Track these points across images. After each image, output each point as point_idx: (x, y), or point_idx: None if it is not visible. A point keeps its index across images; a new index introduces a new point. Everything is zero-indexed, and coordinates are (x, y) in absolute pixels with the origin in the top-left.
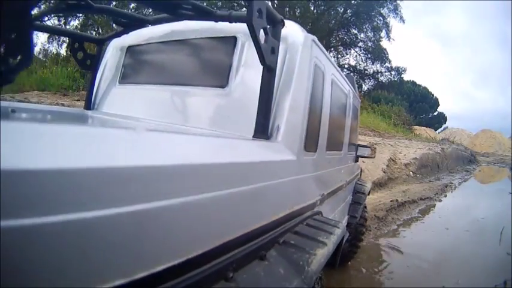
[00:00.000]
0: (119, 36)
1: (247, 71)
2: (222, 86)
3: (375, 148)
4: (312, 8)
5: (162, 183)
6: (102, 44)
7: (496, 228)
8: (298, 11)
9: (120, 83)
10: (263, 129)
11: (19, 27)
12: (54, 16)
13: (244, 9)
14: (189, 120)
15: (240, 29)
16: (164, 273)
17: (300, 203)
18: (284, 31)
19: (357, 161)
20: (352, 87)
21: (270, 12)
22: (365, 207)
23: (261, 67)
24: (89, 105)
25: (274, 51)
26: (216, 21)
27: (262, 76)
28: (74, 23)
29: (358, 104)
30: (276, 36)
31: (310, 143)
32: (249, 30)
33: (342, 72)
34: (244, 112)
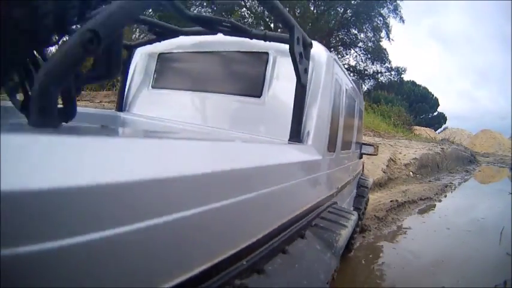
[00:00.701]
0: (151, 44)
1: (279, 83)
2: (257, 96)
3: (378, 146)
4: (312, 8)
5: (233, 185)
6: (131, 49)
7: (496, 228)
8: (298, 11)
9: (153, 87)
10: (297, 135)
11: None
12: None
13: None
14: (226, 124)
15: (271, 45)
16: (225, 261)
17: (323, 195)
18: (311, 51)
19: (360, 157)
20: (359, 92)
21: (303, 38)
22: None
23: (290, 80)
24: (120, 107)
25: (306, 70)
26: (251, 38)
27: (296, 91)
28: None
29: (363, 106)
30: (307, 57)
31: (331, 144)
32: (291, 55)
33: (352, 80)
34: (276, 119)
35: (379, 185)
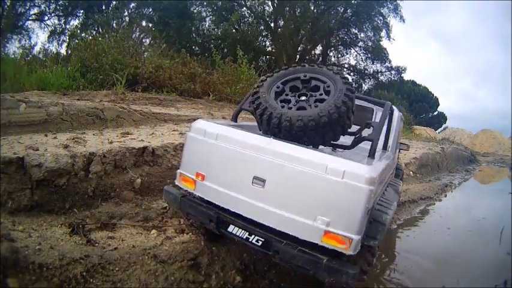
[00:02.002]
0: None
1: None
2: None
3: (409, 145)
4: (312, 8)
5: (390, 170)
6: None
7: (496, 228)
8: (298, 11)
9: None
10: (385, 147)
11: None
12: (54, 16)
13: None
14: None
15: (374, 106)
16: None
17: (392, 171)
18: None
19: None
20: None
21: (393, 109)
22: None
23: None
24: None
25: (391, 120)
26: (374, 104)
27: (386, 129)
28: (74, 22)
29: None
30: (393, 116)
31: (396, 148)
32: (389, 119)
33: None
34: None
35: None
